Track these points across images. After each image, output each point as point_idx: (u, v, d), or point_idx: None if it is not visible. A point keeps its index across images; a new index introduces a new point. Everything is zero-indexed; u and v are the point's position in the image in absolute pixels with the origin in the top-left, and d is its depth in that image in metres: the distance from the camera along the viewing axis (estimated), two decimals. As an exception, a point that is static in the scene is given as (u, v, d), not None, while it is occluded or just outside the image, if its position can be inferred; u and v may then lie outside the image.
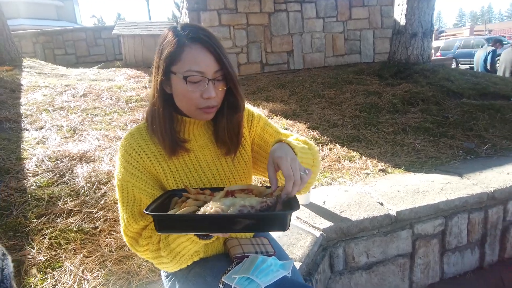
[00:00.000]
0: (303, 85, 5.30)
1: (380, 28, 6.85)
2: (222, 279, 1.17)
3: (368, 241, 2.25)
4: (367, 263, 2.28)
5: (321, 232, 2.10)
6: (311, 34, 6.50)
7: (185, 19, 6.26)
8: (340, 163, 3.21)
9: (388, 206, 2.33)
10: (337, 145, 3.54)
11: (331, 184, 2.81)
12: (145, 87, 5.32)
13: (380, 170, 3.03)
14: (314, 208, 2.33)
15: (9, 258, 0.79)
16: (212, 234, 1.02)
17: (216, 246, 1.31)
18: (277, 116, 4.26)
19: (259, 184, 1.34)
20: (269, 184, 1.15)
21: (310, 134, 3.74)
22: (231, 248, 1.29)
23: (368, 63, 6.66)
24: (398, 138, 3.69)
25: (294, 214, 2.23)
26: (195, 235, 1.00)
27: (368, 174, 2.98)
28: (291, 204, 0.91)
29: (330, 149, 3.47)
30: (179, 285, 1.26)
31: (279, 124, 3.95)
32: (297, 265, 1.83)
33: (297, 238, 2.03)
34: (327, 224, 2.15)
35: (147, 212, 0.89)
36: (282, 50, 6.37)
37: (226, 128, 1.17)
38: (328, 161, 3.23)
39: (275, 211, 0.90)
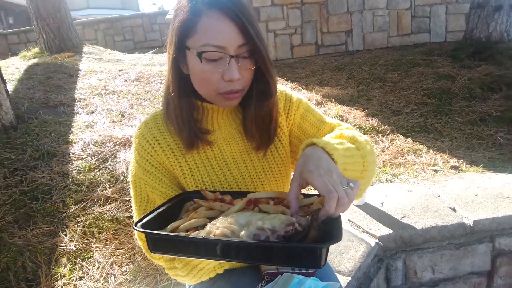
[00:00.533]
0: (362, 68, 4.82)
1: (454, 2, 6.00)
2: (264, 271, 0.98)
3: (435, 254, 1.88)
4: (432, 279, 1.92)
5: (377, 241, 1.78)
6: (373, 11, 5.90)
7: (237, 0, 6.04)
8: (403, 156, 2.80)
9: (462, 213, 1.92)
10: (400, 136, 3.10)
11: (391, 182, 2.43)
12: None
13: (452, 167, 2.57)
14: (370, 210, 2.00)
15: None
16: None
17: (246, 257, 1.09)
18: (331, 102, 3.90)
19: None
20: (307, 192, 0.88)
21: (369, 123, 3.34)
22: (262, 261, 1.06)
23: (439, 43, 5.90)
24: (475, 130, 3.14)
25: (345, 217, 1.93)
26: None
27: (437, 171, 2.55)
28: (331, 230, 0.63)
29: (391, 140, 3.05)
30: (201, 299, 1.07)
31: (333, 111, 3.59)
32: (346, 280, 1.55)
33: (348, 246, 1.74)
34: (384, 231, 1.82)
35: (135, 228, 0.68)
36: (340, 30, 5.87)
37: (255, 119, 0.93)
38: (388, 154, 2.83)
39: (304, 243, 0.63)
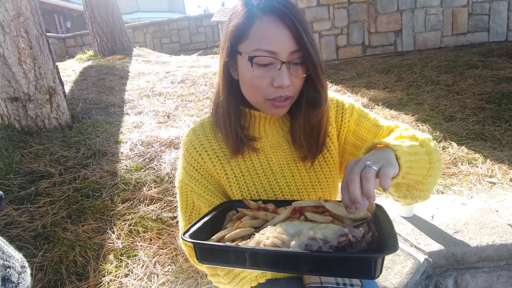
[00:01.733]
0: (412, 70, 4.58)
1: (518, -2, 5.53)
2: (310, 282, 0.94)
3: (491, 274, 1.72)
4: (487, 301, 1.77)
5: (426, 257, 1.67)
6: (425, 9, 5.58)
7: None
8: (456, 166, 2.61)
9: (524, 231, 1.75)
10: (453, 144, 2.90)
11: (442, 193, 2.28)
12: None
13: (513, 179, 2.36)
14: (419, 223, 1.88)
15: (28, 271, 0.65)
16: None
17: (289, 267, 1.06)
18: (378, 105, 3.74)
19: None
20: None
21: (419, 128, 3.16)
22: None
23: (499, 43, 5.45)
24: (541, 139, 2.86)
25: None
26: None
27: (494, 183, 2.35)
28: (386, 239, 0.61)
29: (443, 148, 2.87)
30: (240, 307, 1.06)
31: (380, 115, 3.44)
32: (391, 296, 1.47)
33: (394, 260, 1.65)
34: (435, 246, 1.70)
35: (184, 238, 0.68)
36: (389, 29, 5.63)
37: (303, 128, 0.91)
38: (439, 163, 2.66)
39: (359, 253, 0.61)
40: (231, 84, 0.89)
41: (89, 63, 5.97)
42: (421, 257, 1.66)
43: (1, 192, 0.60)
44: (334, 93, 1.03)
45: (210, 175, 0.96)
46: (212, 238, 0.74)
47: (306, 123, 0.90)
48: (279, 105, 0.85)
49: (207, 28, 9.19)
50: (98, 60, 6.14)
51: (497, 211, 1.95)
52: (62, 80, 3.32)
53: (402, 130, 0.86)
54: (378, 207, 0.74)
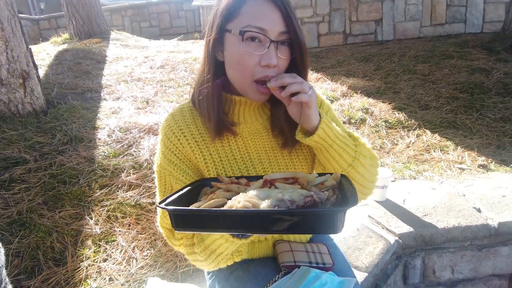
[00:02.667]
0: (391, 59, 4.67)
1: (494, -10, 5.67)
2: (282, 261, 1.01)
3: (455, 254, 1.83)
4: (451, 279, 1.88)
5: (397, 238, 1.75)
6: (406, 0, 5.66)
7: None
8: (429, 153, 2.72)
9: (487, 213, 1.86)
10: (427, 131, 3.01)
11: (415, 178, 2.37)
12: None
13: (480, 166, 2.48)
14: (391, 207, 1.96)
15: (2, 251, 0.66)
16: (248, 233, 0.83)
17: (264, 248, 1.11)
18: (357, 93, 3.81)
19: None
20: (326, 166, 0.91)
21: (395, 116, 3.25)
22: (280, 253, 1.07)
23: (475, 34, 5.61)
24: (508, 127, 3.00)
25: (365, 212, 1.91)
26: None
27: (463, 169, 2.46)
28: (347, 198, 0.67)
29: (418, 136, 2.97)
30: (218, 286, 1.10)
31: (359, 103, 3.52)
32: (362, 275, 1.54)
33: (366, 242, 1.72)
34: (405, 228, 1.78)
35: (159, 206, 0.71)
36: (370, 18, 5.68)
37: (285, 114, 0.92)
38: (414, 150, 2.76)
39: (319, 208, 0.67)
40: (216, 66, 0.90)
41: (65, 46, 5.77)
42: (392, 239, 1.74)
43: None
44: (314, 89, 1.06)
45: (189, 159, 0.97)
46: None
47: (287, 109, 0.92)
48: (264, 91, 0.86)
49: (188, 12, 9.00)
50: (74, 43, 5.95)
51: (464, 196, 2.05)
52: (36, 64, 3.22)
53: (357, 137, 0.95)
54: (344, 176, 0.80)
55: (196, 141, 0.96)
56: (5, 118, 2.83)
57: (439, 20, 5.77)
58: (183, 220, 0.70)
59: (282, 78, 0.80)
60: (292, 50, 0.86)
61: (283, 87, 0.81)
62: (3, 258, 0.70)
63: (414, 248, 1.81)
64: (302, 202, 0.66)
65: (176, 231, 0.77)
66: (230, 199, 0.76)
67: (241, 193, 0.73)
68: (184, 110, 1.00)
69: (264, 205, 0.65)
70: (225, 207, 0.68)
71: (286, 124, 0.94)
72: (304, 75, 0.89)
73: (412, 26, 5.77)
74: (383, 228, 1.82)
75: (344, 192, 0.72)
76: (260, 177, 0.85)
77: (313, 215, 0.64)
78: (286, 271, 1.03)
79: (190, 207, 0.74)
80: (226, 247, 0.87)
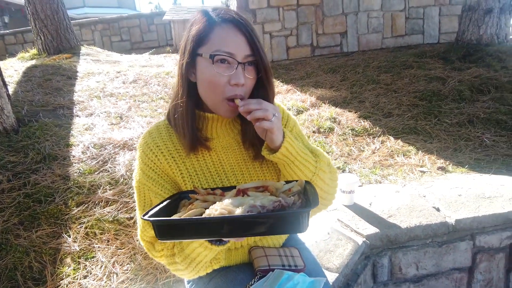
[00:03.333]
0: (356, 70, 4.92)
1: (447, 4, 6.11)
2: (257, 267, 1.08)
3: (419, 251, 1.98)
4: (416, 275, 2.03)
5: (364, 239, 1.88)
6: (368, 13, 5.99)
7: (233, 1, 6.10)
8: (392, 158, 2.90)
9: (445, 212, 2.03)
10: (391, 138, 3.21)
11: (380, 183, 2.54)
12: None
13: (439, 168, 2.68)
14: (359, 210, 2.10)
15: None
16: (225, 240, 0.91)
17: (240, 255, 1.19)
18: (325, 103, 4.00)
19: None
20: (288, 179, 1.01)
21: (361, 125, 3.44)
22: (255, 259, 1.16)
23: (432, 45, 6.01)
24: (463, 131, 3.26)
25: (335, 216, 2.03)
26: (206, 240, 0.90)
27: (424, 172, 2.66)
28: (309, 201, 0.79)
29: (382, 142, 3.16)
30: (198, 293, 1.17)
31: (327, 112, 3.70)
32: (334, 276, 1.65)
33: (336, 244, 1.84)
34: (371, 230, 1.92)
35: (144, 218, 0.78)
36: (335, 31, 5.96)
37: (254, 128, 0.98)
38: (379, 156, 2.94)
39: (285, 210, 0.77)
40: (189, 87, 0.99)
41: (33, 62, 5.66)
42: (360, 240, 1.87)
43: None
44: (281, 103, 1.17)
45: (166, 174, 1.03)
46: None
47: None
48: (234, 108, 0.94)
49: (159, 26, 9.01)
50: (43, 59, 5.84)
51: (424, 196, 2.22)
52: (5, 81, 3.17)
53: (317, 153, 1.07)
54: (307, 182, 0.90)
55: (172, 156, 1.02)
56: (-27, 139, 2.77)
57: (399, 32, 6.14)
58: (166, 230, 0.77)
59: (249, 104, 0.89)
60: (258, 70, 0.96)
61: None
62: None
63: (381, 248, 1.95)
64: (272, 207, 0.75)
65: (160, 241, 0.84)
66: (208, 208, 0.85)
67: (217, 202, 0.81)
68: (160, 127, 1.06)
69: (239, 211, 0.74)
70: (204, 216, 0.77)
71: (256, 137, 1.02)
72: (270, 90, 0.99)
73: (374, 38, 6.10)
74: (351, 231, 1.95)
75: (307, 196, 0.83)
76: (234, 187, 0.93)
77: (280, 217, 0.74)
78: (261, 275, 1.11)
79: (172, 217, 0.81)
80: (205, 255, 0.93)
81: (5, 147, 2.73)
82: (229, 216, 0.73)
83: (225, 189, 0.94)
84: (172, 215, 0.86)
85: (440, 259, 2.02)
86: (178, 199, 0.96)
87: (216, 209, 0.76)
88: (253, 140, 1.04)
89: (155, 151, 1.02)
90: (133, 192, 2.31)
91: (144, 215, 0.79)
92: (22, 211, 2.10)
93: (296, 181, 0.92)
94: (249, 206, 0.75)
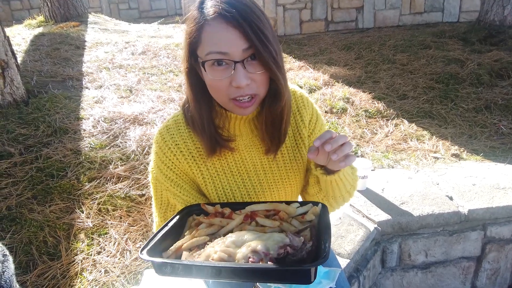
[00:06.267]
0: (372, 48, 4.77)
1: (470, -21, 5.82)
2: (257, 283, 1.04)
3: (429, 239, 1.98)
4: (424, 262, 2.04)
5: (376, 226, 1.88)
6: (386, -13, 5.74)
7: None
8: (406, 142, 2.86)
9: (458, 201, 2.01)
10: (405, 121, 3.15)
11: (393, 167, 2.51)
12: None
13: (453, 155, 2.64)
14: (371, 195, 2.08)
15: (11, 259, 0.69)
16: None
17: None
18: (338, 82, 3.90)
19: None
20: (301, 200, 0.98)
21: (375, 106, 3.37)
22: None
23: (452, 24, 5.78)
24: (479, 117, 3.18)
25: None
26: None
27: (438, 158, 2.62)
28: (320, 250, 0.69)
29: (396, 125, 3.10)
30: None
31: (340, 92, 3.62)
32: (345, 262, 1.66)
33: (348, 230, 1.84)
34: (383, 216, 1.91)
35: (142, 257, 0.73)
36: (351, 6, 5.74)
37: (265, 121, 0.93)
38: (392, 139, 2.89)
39: (291, 266, 0.68)
40: (200, 87, 0.88)
41: (40, 30, 5.56)
42: (372, 226, 1.87)
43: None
44: (311, 99, 1.07)
45: (186, 174, 0.97)
46: (170, 248, 0.79)
47: (267, 116, 0.91)
48: (243, 105, 0.85)
49: (168, -6, 8.78)
50: (50, 27, 5.73)
51: (438, 184, 2.20)
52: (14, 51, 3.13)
53: None
54: (323, 209, 0.84)
55: (193, 156, 0.95)
56: (-16, 109, 2.77)
57: (418, 9, 5.90)
58: (164, 269, 0.72)
59: (343, 152, 0.79)
60: (265, 60, 0.80)
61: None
62: (12, 266, 0.73)
63: (391, 235, 1.95)
64: (276, 254, 0.68)
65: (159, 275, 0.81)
66: (213, 234, 0.80)
67: (219, 239, 0.75)
68: (179, 122, 0.97)
69: (239, 256, 0.68)
70: (203, 255, 0.72)
71: (267, 128, 0.95)
72: (280, 85, 0.86)
73: (392, 14, 5.87)
74: (363, 217, 1.94)
75: (320, 232, 0.75)
76: (243, 205, 0.87)
77: (284, 271, 0.67)
78: None
79: (174, 251, 0.77)
80: None
81: (16, 119, 2.72)
82: (226, 265, 0.67)
83: (235, 206, 0.89)
84: (180, 234, 0.83)
85: (449, 247, 2.02)
86: (186, 214, 0.90)
87: (216, 251, 0.70)
88: (263, 135, 0.97)
89: (174, 150, 0.95)
90: (145, 170, 2.31)
91: (142, 249, 0.74)
92: (35, 185, 2.12)
93: (311, 203, 0.86)
94: (250, 251, 0.68)
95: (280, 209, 0.84)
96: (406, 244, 1.98)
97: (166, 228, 0.83)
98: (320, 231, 0.76)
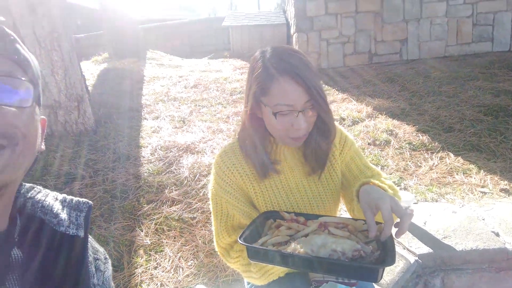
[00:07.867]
0: (416, 80, 4.78)
1: (522, 9, 5.68)
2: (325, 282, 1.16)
3: (474, 275, 1.95)
4: (471, 299, 2.00)
5: (417, 258, 1.90)
6: (431, 19, 5.77)
7: (290, 8, 6.21)
8: (451, 176, 2.83)
9: (505, 238, 1.98)
10: (451, 154, 3.12)
11: (436, 201, 2.51)
12: (249, 78, 5.53)
13: (502, 190, 2.58)
14: (412, 228, 2.11)
15: (110, 261, 0.90)
16: None
17: (298, 263, 1.31)
18: (381, 114, 3.96)
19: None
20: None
21: (419, 139, 3.38)
22: (311, 270, 1.27)
23: (502, 53, 5.63)
24: (532, 151, 3.07)
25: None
26: None
27: (485, 193, 2.57)
28: (387, 254, 0.84)
29: (441, 158, 3.09)
30: (256, 295, 1.30)
31: (383, 124, 3.67)
32: (384, 292, 1.71)
33: (388, 261, 1.88)
34: (424, 249, 1.93)
35: (241, 242, 0.92)
36: (395, 38, 5.83)
37: (315, 153, 1.13)
38: (437, 173, 2.88)
39: (367, 264, 0.84)
40: (256, 122, 1.10)
41: (105, 65, 6.24)
42: (412, 259, 1.90)
43: (91, 202, 0.84)
44: (341, 126, 1.26)
45: (241, 189, 1.17)
46: (258, 241, 0.97)
47: (317, 149, 1.12)
48: (298, 141, 1.06)
49: (217, 31, 9.38)
50: (114, 62, 6.41)
51: (483, 219, 2.17)
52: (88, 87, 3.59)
53: (383, 179, 1.14)
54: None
55: (247, 175, 1.14)
56: (61, 137, 3.19)
57: (465, 40, 5.84)
58: (257, 255, 0.91)
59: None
60: (317, 110, 1.03)
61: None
62: (110, 268, 0.92)
63: (433, 268, 1.95)
64: (351, 255, 0.84)
65: (250, 260, 0.98)
66: (291, 236, 0.97)
67: (302, 237, 0.92)
68: (235, 148, 1.17)
69: (322, 253, 0.85)
70: (290, 249, 0.89)
71: (315, 159, 1.14)
72: (331, 126, 1.09)
73: (437, 45, 5.86)
74: (404, 249, 1.97)
75: (386, 244, 0.88)
76: (316, 216, 1.05)
77: (359, 268, 0.82)
78: (316, 285, 1.22)
79: (261, 245, 0.95)
80: (279, 269, 1.07)
81: (86, 146, 3.10)
82: (315, 257, 0.84)
83: (307, 216, 1.06)
84: (259, 232, 1.01)
85: (496, 285, 1.97)
86: (264, 218, 1.09)
87: (302, 246, 0.87)
88: (312, 162, 1.16)
89: (231, 168, 1.14)
90: (196, 195, 2.52)
91: (240, 237, 0.93)
92: (102, 204, 2.40)
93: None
94: (331, 249, 0.85)
95: (349, 223, 0.99)
96: (449, 279, 1.96)
97: (252, 226, 1.01)
98: (386, 243, 0.90)
